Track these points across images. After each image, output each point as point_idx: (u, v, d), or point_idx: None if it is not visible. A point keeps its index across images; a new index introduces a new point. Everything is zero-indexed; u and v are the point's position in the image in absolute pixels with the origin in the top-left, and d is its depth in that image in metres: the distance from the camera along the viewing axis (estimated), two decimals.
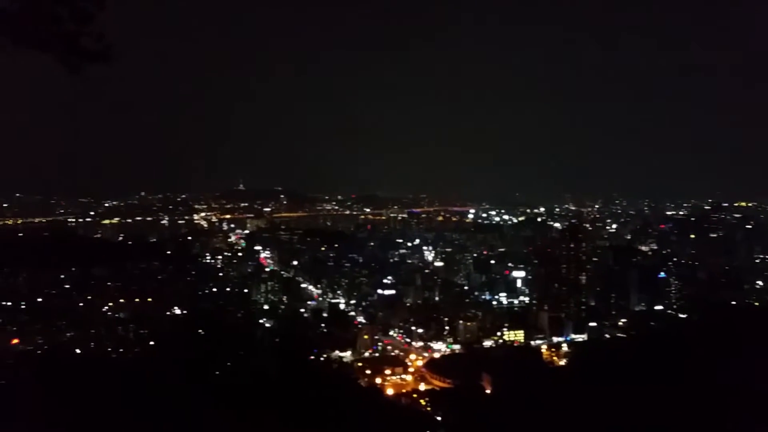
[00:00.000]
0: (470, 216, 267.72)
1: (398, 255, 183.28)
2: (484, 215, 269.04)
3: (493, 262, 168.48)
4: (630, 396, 34.61)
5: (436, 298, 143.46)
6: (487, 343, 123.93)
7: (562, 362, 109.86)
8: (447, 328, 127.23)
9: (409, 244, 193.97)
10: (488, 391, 75.68)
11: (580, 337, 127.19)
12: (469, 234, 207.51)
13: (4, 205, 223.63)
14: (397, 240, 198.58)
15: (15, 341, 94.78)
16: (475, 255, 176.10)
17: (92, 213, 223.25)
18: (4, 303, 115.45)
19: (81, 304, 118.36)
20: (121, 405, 12.06)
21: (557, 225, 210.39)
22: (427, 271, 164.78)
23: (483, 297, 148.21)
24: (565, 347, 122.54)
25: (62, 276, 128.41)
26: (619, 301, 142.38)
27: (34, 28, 7.32)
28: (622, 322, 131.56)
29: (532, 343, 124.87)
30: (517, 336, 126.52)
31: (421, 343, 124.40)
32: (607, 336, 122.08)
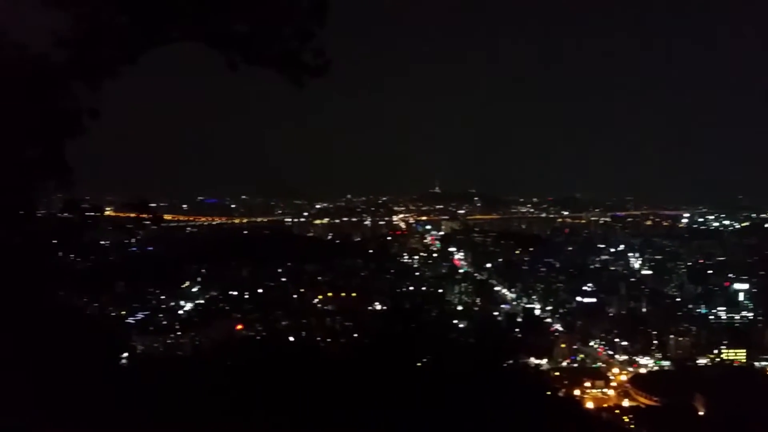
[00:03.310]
0: (684, 220, 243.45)
1: (600, 261, 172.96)
2: (701, 220, 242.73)
3: (710, 272, 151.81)
4: None
5: (644, 309, 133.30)
6: (702, 361, 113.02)
7: None
8: (655, 342, 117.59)
9: (612, 249, 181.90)
10: (701, 413, 69.39)
11: None
12: (682, 240, 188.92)
13: (232, 206, 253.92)
14: (599, 245, 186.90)
15: (239, 327, 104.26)
16: (689, 264, 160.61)
17: (305, 214, 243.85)
18: (231, 293, 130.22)
19: (294, 296, 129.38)
20: (329, 391, 12.91)
21: None
22: (633, 279, 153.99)
23: (698, 310, 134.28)
24: None
25: (279, 270, 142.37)
26: None
27: (262, 46, 8.21)
28: None
29: (756, 364, 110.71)
30: (738, 355, 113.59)
31: (625, 357, 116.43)
32: None
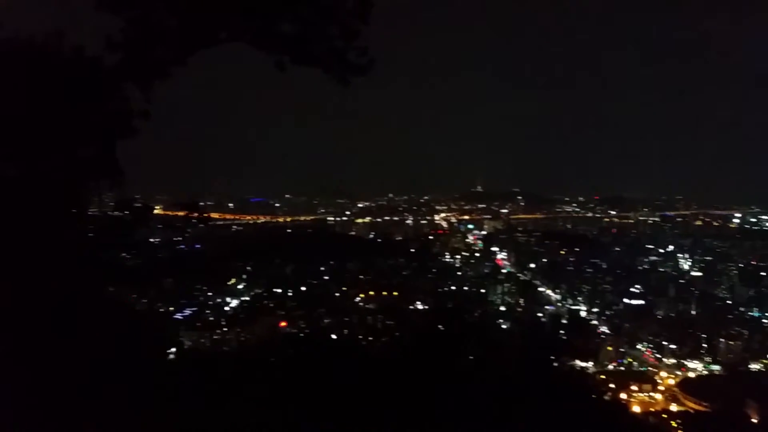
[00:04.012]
0: (735, 220, 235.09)
1: (648, 262, 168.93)
2: (753, 220, 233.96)
3: (763, 273, 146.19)
4: None
5: (693, 312, 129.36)
6: (755, 367, 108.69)
7: None
8: (705, 345, 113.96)
9: (661, 250, 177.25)
10: (754, 420, 66.89)
11: None
12: (733, 241, 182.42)
13: (276, 205, 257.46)
14: (647, 246, 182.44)
15: (283, 324, 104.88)
16: (740, 265, 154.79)
17: (348, 213, 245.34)
18: (275, 290, 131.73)
19: (337, 294, 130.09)
20: (371, 388, 12.95)
21: None
22: (682, 281, 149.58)
23: (750, 313, 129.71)
24: None
25: (322, 268, 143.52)
26: None
27: (310, 47, 8.28)
28: None
29: None
30: None
31: (673, 361, 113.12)
32: None
